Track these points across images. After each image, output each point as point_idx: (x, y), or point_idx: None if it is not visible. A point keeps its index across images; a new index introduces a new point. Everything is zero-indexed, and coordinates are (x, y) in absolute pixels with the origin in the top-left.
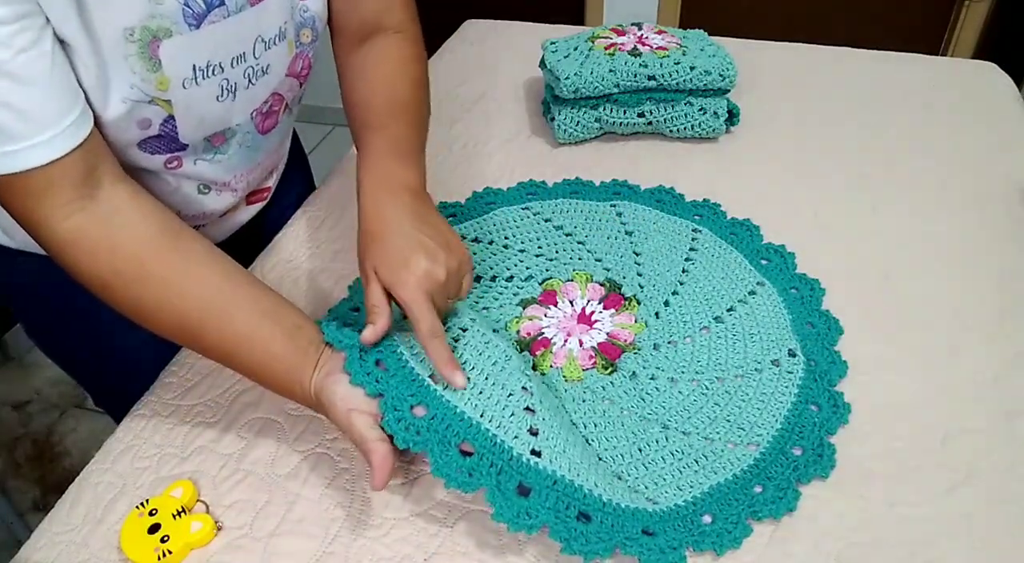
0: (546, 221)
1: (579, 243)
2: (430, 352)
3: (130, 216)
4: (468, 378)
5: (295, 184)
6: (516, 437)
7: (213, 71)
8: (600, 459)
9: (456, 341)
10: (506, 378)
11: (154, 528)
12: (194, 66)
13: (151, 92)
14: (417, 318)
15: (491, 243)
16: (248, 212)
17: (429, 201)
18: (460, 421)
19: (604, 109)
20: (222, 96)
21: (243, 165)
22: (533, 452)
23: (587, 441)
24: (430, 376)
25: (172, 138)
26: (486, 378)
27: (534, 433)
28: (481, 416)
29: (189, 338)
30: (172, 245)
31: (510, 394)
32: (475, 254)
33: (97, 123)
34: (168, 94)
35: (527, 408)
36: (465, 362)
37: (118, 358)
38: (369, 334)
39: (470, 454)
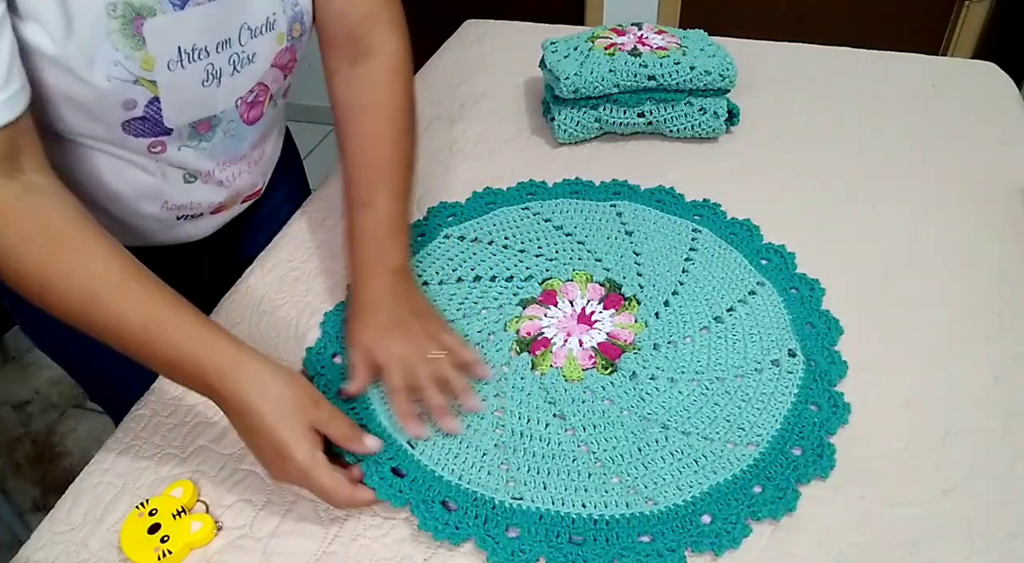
0: (546, 221)
1: (579, 243)
2: (394, 405)
3: (48, 196)
4: (432, 434)
5: (287, 186)
6: (496, 490)
7: (199, 55)
8: (598, 461)
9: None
10: (480, 439)
11: (154, 528)
12: (179, 48)
13: (136, 71)
14: (388, 376)
15: (491, 243)
16: (237, 208)
17: (410, 277)
18: (440, 483)
19: (604, 109)
20: (207, 81)
21: (226, 154)
22: (514, 498)
23: (586, 443)
24: (408, 442)
25: (157, 121)
26: (460, 441)
27: (511, 483)
28: (459, 479)
29: (93, 311)
30: (86, 224)
31: (484, 453)
32: (475, 254)
33: (82, 102)
34: (154, 75)
35: (502, 464)
36: (440, 427)
37: (114, 354)
38: (349, 387)
39: (454, 509)
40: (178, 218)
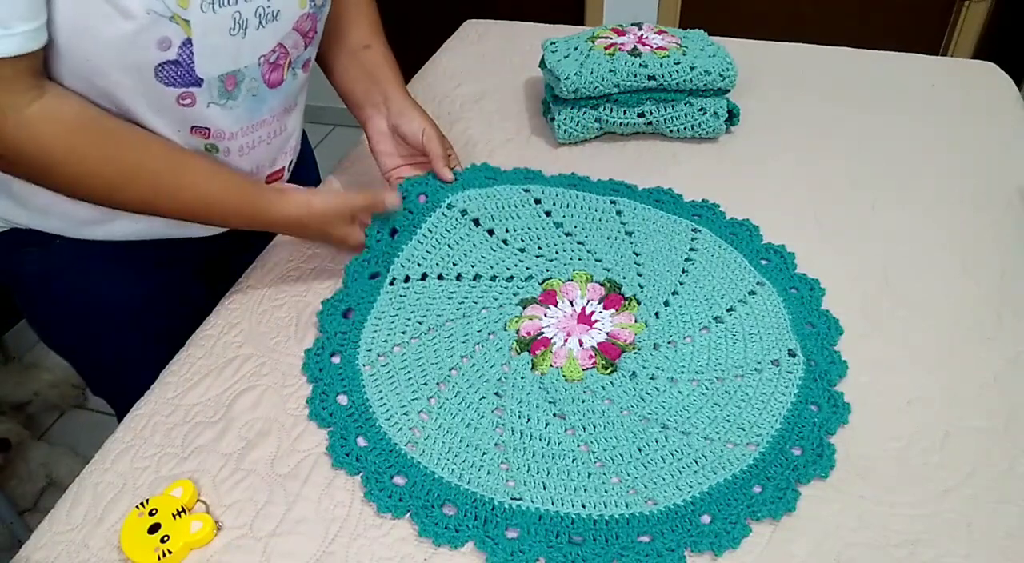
0: (547, 214)
1: (579, 243)
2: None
3: (78, 98)
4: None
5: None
6: (495, 491)
7: (228, 1)
8: (598, 460)
9: (430, 401)
10: (480, 438)
11: (154, 528)
12: None
13: (172, 6)
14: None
15: (491, 233)
16: None
17: None
18: (439, 485)
19: (604, 109)
20: (234, 29)
21: (247, 117)
22: (513, 499)
23: (586, 442)
24: (406, 444)
25: (189, 68)
26: (460, 440)
27: (511, 483)
28: (459, 479)
29: (168, 176)
30: (111, 118)
31: (484, 453)
32: (475, 247)
33: (117, 42)
34: (188, 13)
35: (502, 464)
36: (440, 426)
37: (121, 348)
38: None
39: (453, 512)
40: None
